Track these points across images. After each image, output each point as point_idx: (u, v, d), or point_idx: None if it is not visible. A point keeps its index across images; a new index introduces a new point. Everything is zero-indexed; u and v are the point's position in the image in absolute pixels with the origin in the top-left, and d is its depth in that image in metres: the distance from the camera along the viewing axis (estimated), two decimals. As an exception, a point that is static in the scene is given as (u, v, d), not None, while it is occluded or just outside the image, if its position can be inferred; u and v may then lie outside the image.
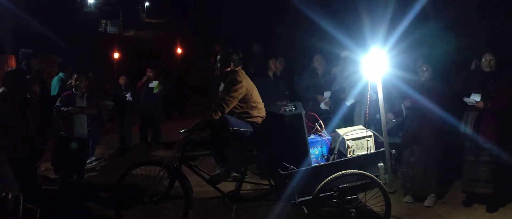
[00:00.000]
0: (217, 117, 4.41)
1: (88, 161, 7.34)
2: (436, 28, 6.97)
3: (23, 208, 1.47)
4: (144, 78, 8.47)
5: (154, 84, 8.44)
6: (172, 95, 11.36)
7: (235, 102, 4.55)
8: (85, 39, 15.38)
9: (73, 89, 6.36)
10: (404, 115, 5.74)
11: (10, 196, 1.45)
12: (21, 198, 1.47)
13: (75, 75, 6.50)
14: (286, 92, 6.82)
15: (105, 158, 7.78)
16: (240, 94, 4.56)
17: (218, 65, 4.84)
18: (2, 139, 5.23)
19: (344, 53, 7.04)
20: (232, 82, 4.60)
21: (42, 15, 12.21)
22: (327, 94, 5.67)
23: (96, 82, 7.73)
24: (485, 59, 5.14)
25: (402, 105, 5.71)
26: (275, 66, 7.05)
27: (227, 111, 4.50)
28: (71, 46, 11.50)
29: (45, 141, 6.70)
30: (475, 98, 5.09)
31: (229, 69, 4.76)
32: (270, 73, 7.02)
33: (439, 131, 5.37)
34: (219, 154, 4.70)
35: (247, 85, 4.65)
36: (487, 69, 5.15)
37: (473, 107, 5.12)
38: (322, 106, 5.18)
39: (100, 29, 29.25)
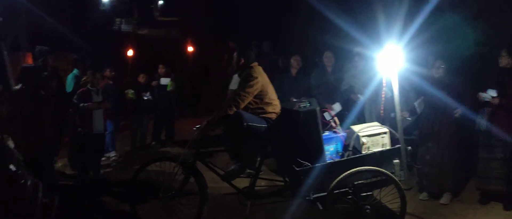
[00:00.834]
0: (231, 112, 4.41)
1: (111, 156, 7.49)
2: (452, 23, 6.88)
3: (42, 196, 1.50)
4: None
5: (166, 81, 8.43)
6: (184, 93, 11.38)
7: (250, 98, 4.56)
8: (99, 37, 15.49)
9: (88, 85, 6.42)
10: (418, 113, 5.68)
11: (29, 183, 1.48)
12: (40, 186, 1.50)
13: (90, 72, 6.56)
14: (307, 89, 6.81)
15: (120, 154, 7.84)
16: (256, 90, 4.57)
17: (234, 61, 4.85)
18: (19, 136, 5.30)
19: (355, 50, 7.00)
20: (248, 78, 4.61)
21: (57, 13, 12.32)
22: (336, 106, 5.64)
23: (113, 79, 7.73)
24: (501, 56, 5.07)
25: (415, 103, 5.66)
26: (297, 63, 7.02)
27: (242, 106, 4.51)
28: (85, 44, 11.60)
29: (62, 137, 6.78)
30: (492, 94, 5.02)
31: (244, 64, 4.77)
32: (293, 71, 7.01)
33: (456, 128, 5.32)
34: (233, 150, 4.72)
35: (263, 81, 4.66)
36: (502, 65, 5.08)
37: (487, 103, 5.05)
38: (327, 115, 5.13)
39: (114, 27, 29.44)
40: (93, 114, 6.30)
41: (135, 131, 8.34)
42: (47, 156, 5.90)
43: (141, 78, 8.36)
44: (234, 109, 4.45)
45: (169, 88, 8.39)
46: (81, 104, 6.20)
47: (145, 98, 8.11)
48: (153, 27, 30.09)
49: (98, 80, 6.51)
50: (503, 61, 5.04)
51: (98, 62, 7.95)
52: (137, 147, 8.27)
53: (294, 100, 4.50)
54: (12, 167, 1.72)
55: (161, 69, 8.55)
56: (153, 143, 8.55)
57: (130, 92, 7.72)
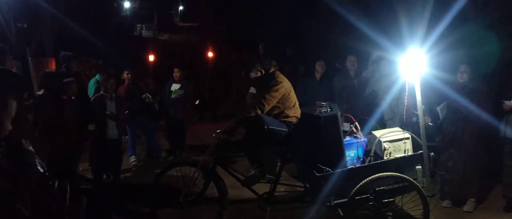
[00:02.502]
0: (254, 114, 4.42)
1: (131, 161, 7.50)
2: (476, 28, 6.76)
3: (70, 196, 1.50)
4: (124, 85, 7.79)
5: (173, 87, 8.02)
6: (202, 98, 11.35)
7: (274, 102, 4.57)
8: (121, 43, 15.74)
9: (102, 91, 6.48)
10: (440, 118, 5.59)
11: (56, 184, 1.48)
12: (68, 187, 1.51)
13: (103, 77, 6.60)
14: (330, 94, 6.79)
15: (141, 159, 7.90)
16: (280, 94, 4.58)
17: (258, 67, 4.81)
18: (43, 140, 5.39)
19: (375, 55, 6.93)
20: (273, 82, 4.63)
21: (80, 19, 12.58)
22: (346, 125, 5.69)
23: (133, 82, 7.74)
24: None
25: (438, 108, 5.57)
26: (322, 68, 7.02)
27: (266, 110, 4.52)
28: (107, 49, 11.78)
29: (84, 142, 6.87)
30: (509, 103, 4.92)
31: (270, 71, 4.78)
32: (317, 75, 7.01)
33: (480, 134, 5.21)
34: (253, 155, 4.71)
35: (286, 85, 4.67)
36: None
37: None
38: (346, 126, 5.11)
39: (135, 33, 29.88)
40: (107, 120, 6.36)
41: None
42: (70, 160, 5.98)
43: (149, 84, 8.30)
44: (259, 111, 4.46)
45: (173, 96, 7.93)
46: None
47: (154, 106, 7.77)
48: (173, 33, 30.43)
49: (112, 86, 6.54)
50: None
51: (120, 67, 8.04)
52: (149, 156, 8.05)
53: (323, 103, 4.47)
54: (39, 168, 1.74)
55: (176, 73, 8.11)
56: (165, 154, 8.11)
57: (147, 97, 7.57)
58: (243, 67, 5.01)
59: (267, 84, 4.66)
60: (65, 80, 6.02)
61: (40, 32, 9.11)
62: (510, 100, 4.94)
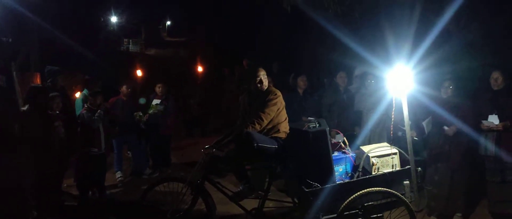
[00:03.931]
0: (252, 130, 4.40)
1: (117, 176, 7.43)
2: (460, 45, 6.89)
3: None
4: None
5: (154, 102, 7.79)
6: (190, 113, 11.30)
7: (272, 116, 4.55)
8: (107, 57, 15.67)
9: (86, 105, 6.40)
10: (426, 133, 5.66)
11: None
12: None
13: (90, 93, 6.56)
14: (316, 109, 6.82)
15: (128, 175, 7.82)
16: (277, 108, 4.58)
17: (258, 83, 4.75)
18: (30, 156, 5.33)
19: (359, 70, 7.01)
20: (271, 97, 4.61)
21: (66, 33, 12.51)
22: (339, 137, 5.73)
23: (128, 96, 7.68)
24: (493, 78, 5.09)
25: (423, 123, 5.64)
26: (304, 83, 7.07)
27: (264, 125, 4.51)
28: (95, 64, 11.73)
29: (69, 157, 6.78)
30: (494, 120, 5.01)
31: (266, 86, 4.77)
32: (300, 90, 7.05)
33: (465, 148, 5.28)
34: (239, 171, 4.71)
35: (282, 100, 4.68)
36: (496, 88, 5.09)
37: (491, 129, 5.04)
38: (339, 137, 5.13)
39: (122, 47, 29.79)
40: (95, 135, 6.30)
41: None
42: (55, 175, 5.90)
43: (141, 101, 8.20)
44: (258, 126, 4.45)
45: (150, 111, 7.68)
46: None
47: (141, 124, 7.67)
48: (160, 48, 30.38)
49: (101, 102, 6.44)
50: (499, 83, 5.06)
51: (108, 82, 7.98)
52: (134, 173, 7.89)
53: (310, 118, 4.48)
54: None
55: (158, 88, 7.94)
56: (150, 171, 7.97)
57: (138, 115, 7.47)
58: (245, 79, 4.98)
59: (264, 98, 4.62)
60: (50, 94, 5.97)
61: (26, 46, 9.02)
62: (487, 120, 5.04)
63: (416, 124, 5.78)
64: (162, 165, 8.11)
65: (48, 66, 6.97)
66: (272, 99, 4.58)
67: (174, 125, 8.46)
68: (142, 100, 7.71)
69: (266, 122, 4.51)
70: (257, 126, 4.45)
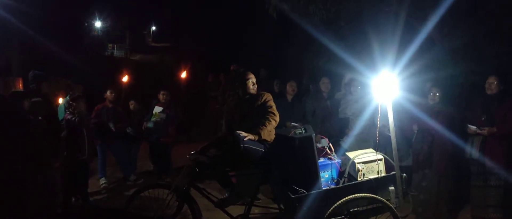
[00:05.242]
0: (263, 131, 4.47)
1: (101, 183, 7.37)
2: (443, 52, 6.98)
3: None
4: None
5: (156, 110, 7.81)
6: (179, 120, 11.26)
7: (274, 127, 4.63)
8: (92, 63, 15.51)
9: (67, 111, 6.33)
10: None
11: None
12: None
13: (71, 97, 6.50)
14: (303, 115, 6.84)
15: (112, 181, 7.73)
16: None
17: (252, 84, 4.85)
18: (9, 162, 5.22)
19: (348, 77, 7.05)
20: (268, 98, 4.75)
21: (49, 38, 12.37)
22: (323, 142, 5.78)
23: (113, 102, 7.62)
24: (488, 82, 5.15)
25: (414, 128, 5.70)
26: (292, 89, 7.09)
27: (277, 120, 4.63)
28: (78, 69, 11.59)
29: (52, 164, 6.68)
30: (472, 127, 5.09)
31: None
32: (289, 97, 7.07)
33: (450, 154, 5.33)
34: (223, 178, 4.69)
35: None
36: (489, 92, 5.16)
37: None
38: (324, 142, 5.15)
39: (107, 52, 29.55)
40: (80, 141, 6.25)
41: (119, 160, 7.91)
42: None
43: (131, 105, 8.13)
44: (273, 123, 4.57)
45: (152, 119, 7.73)
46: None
47: (128, 130, 7.70)
48: (145, 53, 30.19)
49: (83, 107, 6.40)
50: (493, 88, 5.12)
51: (92, 87, 7.90)
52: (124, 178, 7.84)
53: (294, 124, 4.50)
54: None
55: (161, 96, 7.91)
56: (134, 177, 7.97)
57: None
58: (233, 84, 5.03)
59: (267, 104, 4.72)
60: (32, 100, 5.87)
61: (7, 51, 8.90)
62: (473, 124, 5.11)
63: (401, 130, 5.83)
64: (162, 173, 7.98)
65: (33, 71, 6.87)
66: (270, 100, 4.72)
67: (175, 134, 8.39)
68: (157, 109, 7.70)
69: (275, 124, 4.61)
70: (273, 122, 4.57)
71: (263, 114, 4.65)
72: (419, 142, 5.56)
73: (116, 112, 7.50)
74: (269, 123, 4.55)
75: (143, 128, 7.67)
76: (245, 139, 4.36)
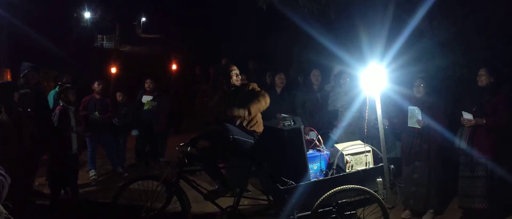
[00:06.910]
0: (240, 114, 4.48)
1: (91, 175, 7.35)
2: (432, 45, 7.01)
3: None
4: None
5: (145, 99, 7.93)
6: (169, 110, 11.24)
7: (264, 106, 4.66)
8: (81, 54, 15.38)
9: (62, 103, 6.30)
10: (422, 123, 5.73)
11: None
12: None
13: (62, 88, 6.46)
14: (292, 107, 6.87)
15: (102, 174, 7.71)
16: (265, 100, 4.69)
17: (235, 79, 4.89)
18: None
19: (337, 69, 7.06)
20: (257, 92, 4.76)
21: (38, 29, 12.23)
22: (312, 134, 5.81)
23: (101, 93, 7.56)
24: (479, 74, 5.19)
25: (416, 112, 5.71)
26: (281, 82, 7.10)
27: (254, 114, 4.60)
28: (67, 60, 11.49)
29: (41, 156, 6.64)
30: (467, 116, 5.12)
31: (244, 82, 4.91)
32: (278, 89, 7.08)
33: (439, 146, 5.38)
34: (213, 170, 4.70)
35: None
36: (480, 84, 5.19)
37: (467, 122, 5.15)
38: (313, 134, 5.17)
39: (96, 44, 29.27)
40: (71, 134, 6.22)
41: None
42: (25, 174, 5.75)
43: (118, 96, 8.13)
44: (247, 112, 4.52)
45: (145, 108, 7.85)
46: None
47: (114, 121, 7.66)
48: (135, 44, 29.95)
49: (73, 97, 6.38)
50: (483, 80, 5.15)
51: (80, 78, 7.83)
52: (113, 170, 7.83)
53: (284, 115, 4.52)
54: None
55: (148, 85, 8.09)
56: (136, 162, 8.29)
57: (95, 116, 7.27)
58: (219, 77, 5.07)
59: (252, 93, 4.73)
60: (21, 91, 5.81)
61: (-5, 42, 8.80)
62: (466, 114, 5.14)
63: (389, 122, 5.87)
64: (151, 159, 8.27)
65: (24, 63, 6.77)
66: (257, 87, 4.77)
67: (166, 123, 8.54)
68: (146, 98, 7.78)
69: (268, 99, 4.65)
70: (262, 102, 4.61)
71: (253, 96, 4.69)
72: (408, 133, 5.57)
73: (103, 103, 7.45)
74: (258, 101, 4.57)
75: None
76: (234, 114, 4.43)
